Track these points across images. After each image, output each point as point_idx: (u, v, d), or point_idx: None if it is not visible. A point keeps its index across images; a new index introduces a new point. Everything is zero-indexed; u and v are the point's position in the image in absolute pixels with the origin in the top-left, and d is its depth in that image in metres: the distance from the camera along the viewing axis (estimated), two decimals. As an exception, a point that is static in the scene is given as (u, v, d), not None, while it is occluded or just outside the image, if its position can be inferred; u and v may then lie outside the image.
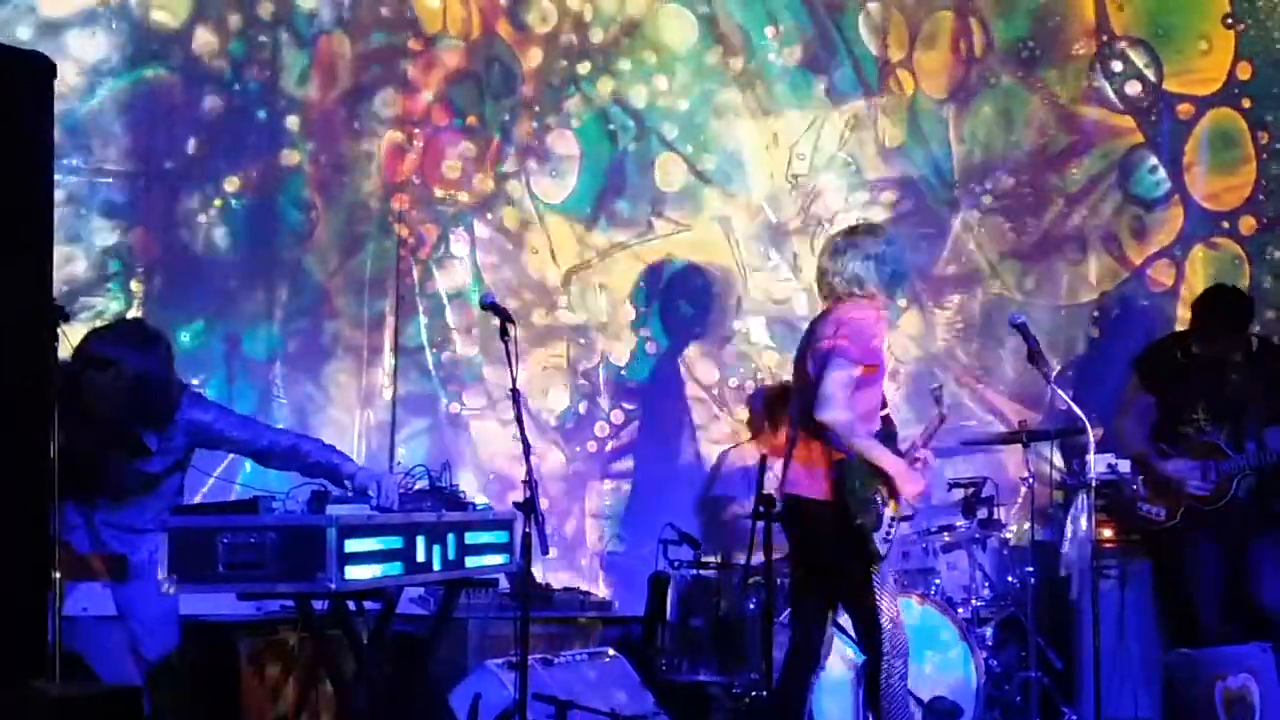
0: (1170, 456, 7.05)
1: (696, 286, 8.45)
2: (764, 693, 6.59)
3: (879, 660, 5.63)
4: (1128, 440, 7.23)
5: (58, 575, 4.66)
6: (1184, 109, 8.59)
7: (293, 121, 7.82)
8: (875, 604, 5.60)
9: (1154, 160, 8.62)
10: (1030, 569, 7.23)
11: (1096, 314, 8.56)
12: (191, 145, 7.60)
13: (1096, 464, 6.42)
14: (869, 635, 5.66)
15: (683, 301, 8.45)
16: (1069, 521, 7.39)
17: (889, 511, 5.60)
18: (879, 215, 8.48)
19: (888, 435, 5.78)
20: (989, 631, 7.14)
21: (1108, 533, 7.52)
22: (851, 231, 5.93)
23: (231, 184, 7.68)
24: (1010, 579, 7.27)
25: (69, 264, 7.21)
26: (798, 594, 5.94)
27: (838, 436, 5.54)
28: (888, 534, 5.60)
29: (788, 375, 6.52)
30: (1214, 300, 7.19)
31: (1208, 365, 7.05)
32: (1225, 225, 8.56)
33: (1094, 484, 6.38)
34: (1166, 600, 7.21)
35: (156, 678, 5.61)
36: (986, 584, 7.22)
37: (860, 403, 5.59)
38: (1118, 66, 8.64)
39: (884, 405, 5.82)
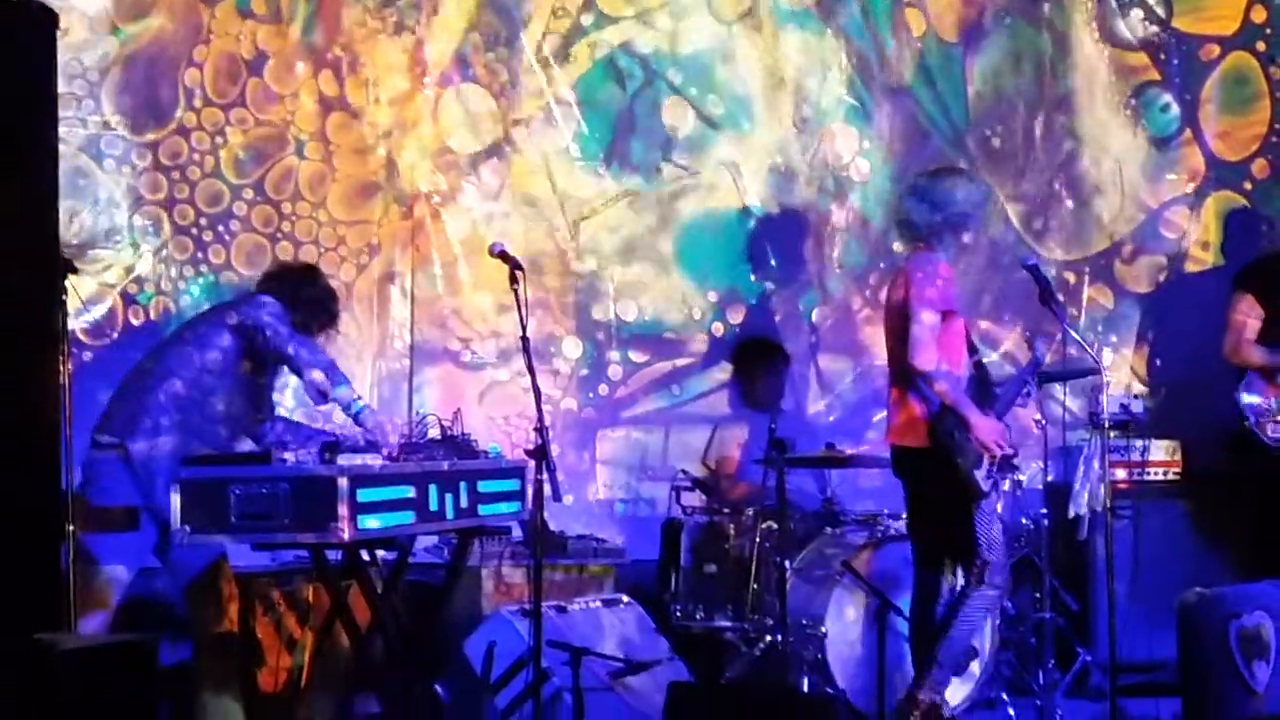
0: None
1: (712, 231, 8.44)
2: (779, 637, 6.62)
3: (972, 586, 5.94)
4: (1250, 354, 7.22)
5: (71, 528, 4.69)
6: (1208, 50, 8.54)
7: (300, 71, 7.78)
8: (975, 537, 5.90)
9: (1166, 98, 8.58)
10: (1044, 511, 7.26)
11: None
12: (197, 96, 7.56)
13: (1110, 404, 6.45)
14: (968, 566, 5.96)
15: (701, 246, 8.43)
16: (1082, 463, 7.38)
17: (986, 455, 5.86)
18: (886, 159, 8.47)
19: (981, 380, 6.08)
20: (1003, 573, 7.14)
21: (1121, 474, 7.54)
22: (925, 174, 6.26)
23: (238, 135, 7.64)
24: (1024, 521, 7.28)
25: (76, 217, 7.20)
26: (915, 539, 6.23)
27: (929, 382, 5.81)
28: (989, 472, 5.88)
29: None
30: None
31: None
32: (1241, 175, 8.55)
33: (1106, 424, 6.40)
34: (1261, 529, 7.23)
35: (196, 590, 5.67)
36: (1000, 526, 7.22)
37: (944, 348, 5.84)
38: (1132, 7, 8.59)
39: (974, 351, 6.12)
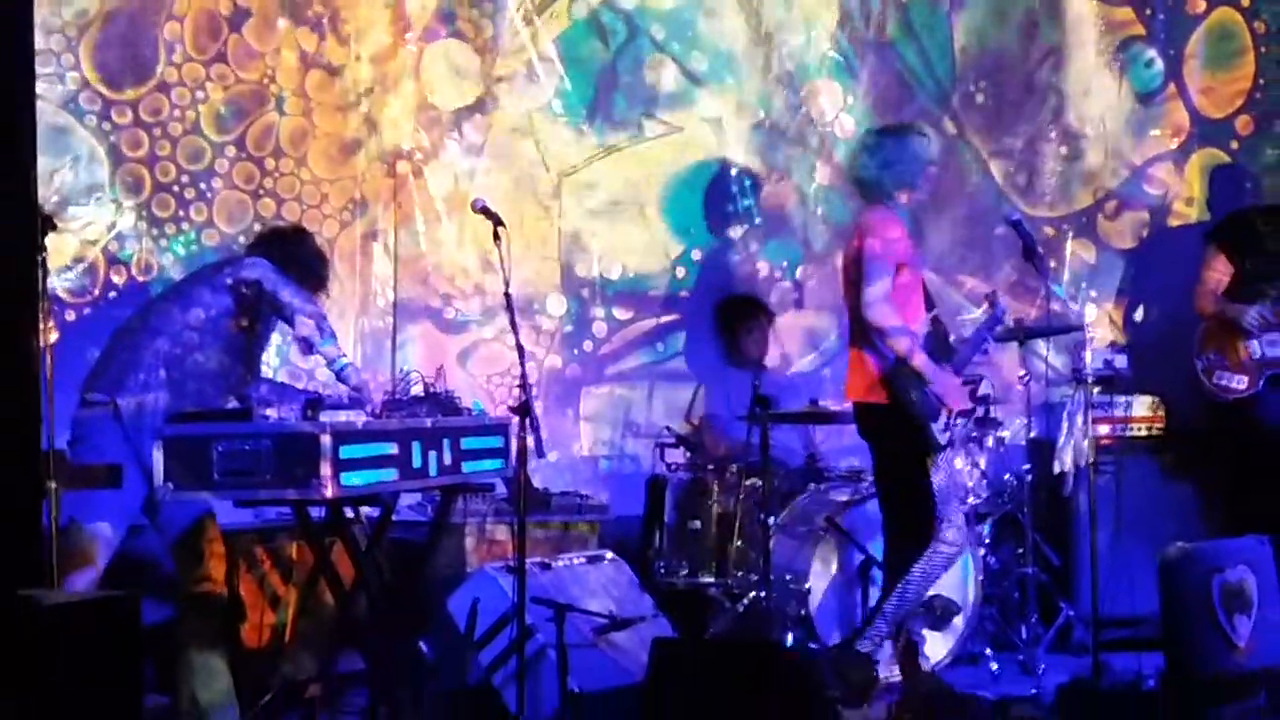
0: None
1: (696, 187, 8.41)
2: (762, 593, 6.63)
3: (926, 545, 5.92)
4: (1206, 303, 7.33)
5: (54, 485, 4.66)
6: (1193, 5, 8.54)
7: (281, 27, 7.73)
8: (932, 493, 5.91)
9: (1151, 53, 8.57)
10: (1027, 466, 7.27)
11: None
12: (178, 52, 7.51)
13: (1093, 359, 6.47)
14: (923, 523, 5.94)
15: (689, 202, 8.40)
16: (1065, 418, 7.40)
17: (944, 409, 5.88)
18: (870, 114, 8.44)
19: (939, 335, 6.04)
20: (986, 529, 7.17)
21: (1104, 429, 7.55)
22: (875, 130, 6.34)
23: (219, 91, 7.59)
24: (1007, 476, 7.30)
25: (56, 174, 7.16)
26: (881, 496, 6.25)
27: (884, 337, 5.81)
28: (946, 425, 5.88)
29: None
30: None
31: None
32: (1225, 131, 8.54)
33: (1089, 380, 6.41)
34: (1234, 484, 7.29)
35: (181, 547, 5.67)
36: (984, 482, 7.24)
37: (900, 303, 5.85)
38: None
39: (931, 306, 6.10)
